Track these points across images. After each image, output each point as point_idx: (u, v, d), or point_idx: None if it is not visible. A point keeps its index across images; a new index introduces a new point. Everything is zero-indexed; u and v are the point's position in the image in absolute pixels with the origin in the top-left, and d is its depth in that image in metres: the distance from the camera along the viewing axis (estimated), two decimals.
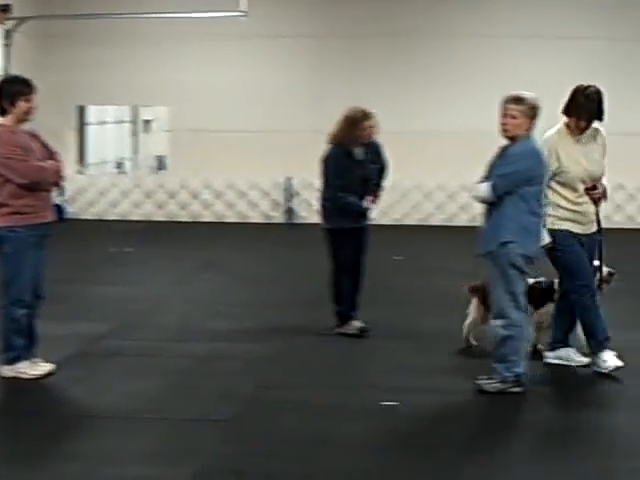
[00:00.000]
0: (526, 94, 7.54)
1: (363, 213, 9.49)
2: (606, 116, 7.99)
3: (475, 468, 6.12)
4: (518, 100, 7.49)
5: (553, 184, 8.00)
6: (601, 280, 8.36)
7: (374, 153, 9.54)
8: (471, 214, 17.92)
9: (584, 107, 7.88)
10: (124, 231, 18.30)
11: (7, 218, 7.72)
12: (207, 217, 20.07)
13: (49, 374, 7.99)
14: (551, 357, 8.47)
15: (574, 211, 8.05)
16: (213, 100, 19.63)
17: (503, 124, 7.54)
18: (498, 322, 7.55)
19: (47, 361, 8.10)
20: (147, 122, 27.61)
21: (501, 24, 19.06)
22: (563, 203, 8.04)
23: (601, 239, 8.23)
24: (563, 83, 17.84)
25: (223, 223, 19.75)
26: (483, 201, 7.64)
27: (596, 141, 8.14)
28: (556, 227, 8.02)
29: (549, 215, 7.98)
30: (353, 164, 9.42)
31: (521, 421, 7.24)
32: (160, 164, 24.93)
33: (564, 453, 6.40)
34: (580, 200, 8.06)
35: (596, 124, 8.09)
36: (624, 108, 16.59)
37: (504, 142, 7.62)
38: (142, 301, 11.30)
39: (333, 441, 6.55)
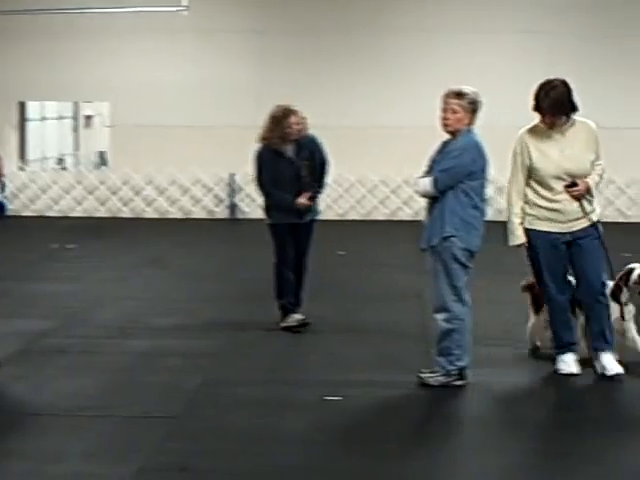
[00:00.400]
0: (467, 89, 7.59)
1: (301, 209, 9.50)
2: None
3: (419, 462, 6.15)
4: (459, 95, 7.54)
5: (531, 182, 7.82)
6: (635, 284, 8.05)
7: (309, 150, 9.54)
8: (414, 209, 18.03)
9: (544, 102, 7.65)
10: (66, 228, 18.12)
11: None
12: (150, 213, 19.93)
13: None
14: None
15: (551, 209, 7.76)
16: (155, 95, 19.49)
17: (444, 118, 7.57)
18: (440, 316, 7.60)
19: None
20: (88, 118, 27.39)
21: (443, 18, 19.15)
22: (540, 202, 7.79)
23: (599, 236, 7.84)
24: (503, 78, 18.14)
25: (166, 219, 19.64)
26: (425, 196, 7.68)
27: (570, 136, 7.75)
28: (532, 227, 7.83)
29: (527, 214, 7.85)
30: (283, 162, 9.44)
31: (465, 415, 7.30)
32: (102, 160, 24.77)
33: (510, 446, 6.47)
34: (558, 198, 7.74)
35: (581, 118, 7.84)
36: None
37: (446, 137, 7.68)
38: (84, 298, 11.20)
39: (277, 437, 6.56)
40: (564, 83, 7.74)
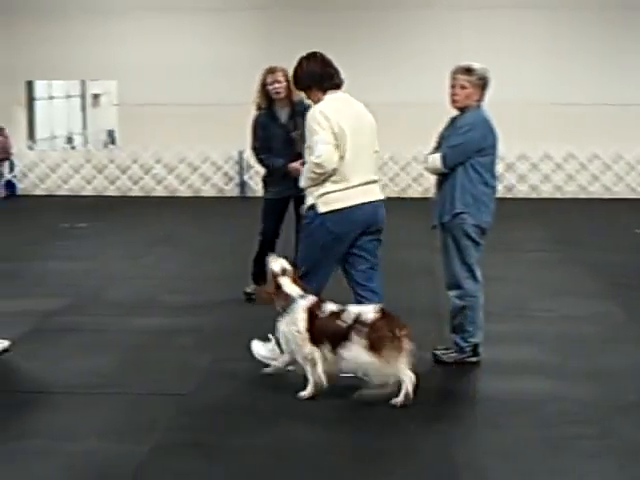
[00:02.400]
0: (475, 65, 7.54)
1: (294, 176, 8.77)
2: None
3: (437, 438, 6.19)
4: (468, 70, 7.51)
5: None
6: None
7: (303, 117, 8.75)
8: (424, 186, 18.03)
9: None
10: (76, 206, 18.15)
11: None
12: (159, 191, 19.97)
13: (5, 350, 7.94)
14: None
15: None
16: (162, 73, 19.48)
17: (453, 95, 7.54)
18: (453, 293, 7.60)
19: (2, 337, 8.05)
20: (96, 96, 27.34)
21: None
22: None
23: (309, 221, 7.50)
24: (511, 54, 18.04)
25: (176, 197, 19.67)
26: (435, 172, 7.67)
27: None
28: None
29: None
30: (276, 128, 9.36)
31: (476, 391, 7.31)
32: (111, 138, 24.76)
33: (519, 422, 6.50)
34: None
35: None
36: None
37: (454, 113, 7.66)
38: (96, 276, 11.24)
39: (289, 413, 6.57)
40: (307, 57, 7.65)
